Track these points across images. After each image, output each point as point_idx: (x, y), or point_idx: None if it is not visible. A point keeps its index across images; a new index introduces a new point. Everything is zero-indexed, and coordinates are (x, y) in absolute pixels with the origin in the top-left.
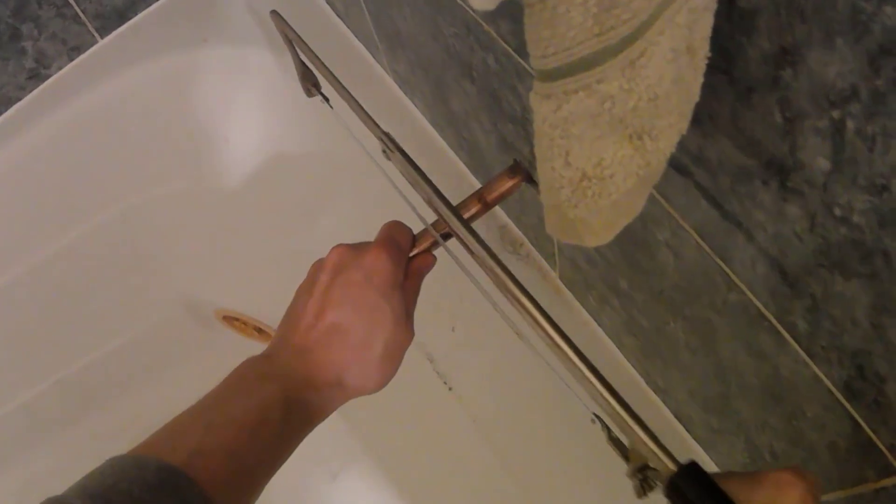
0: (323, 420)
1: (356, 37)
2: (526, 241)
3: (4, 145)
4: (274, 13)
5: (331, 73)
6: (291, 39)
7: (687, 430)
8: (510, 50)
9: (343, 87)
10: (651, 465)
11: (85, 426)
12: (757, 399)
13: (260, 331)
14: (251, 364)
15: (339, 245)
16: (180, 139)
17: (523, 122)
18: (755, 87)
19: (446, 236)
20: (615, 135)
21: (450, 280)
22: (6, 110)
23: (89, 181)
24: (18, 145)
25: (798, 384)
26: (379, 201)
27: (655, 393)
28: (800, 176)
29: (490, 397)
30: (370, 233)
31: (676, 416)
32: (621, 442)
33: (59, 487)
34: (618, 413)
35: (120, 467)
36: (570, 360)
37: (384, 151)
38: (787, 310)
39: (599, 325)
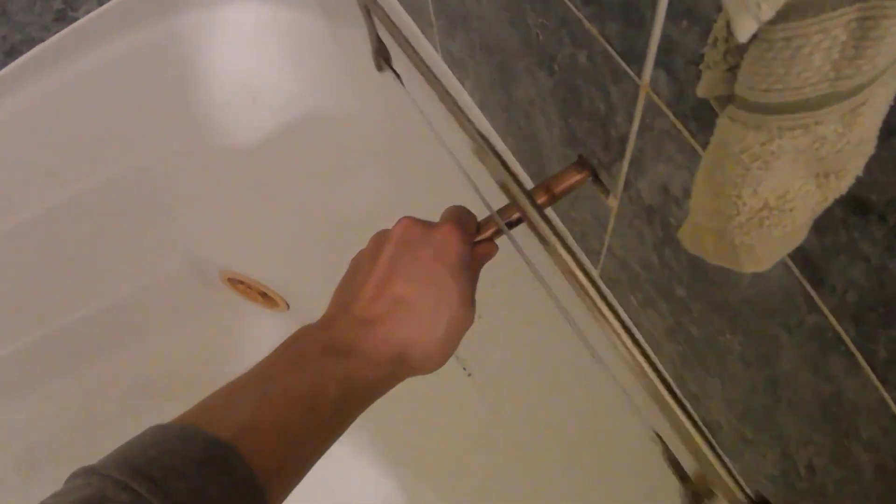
0: (379, 398)
1: (404, 8)
2: (569, 235)
3: (23, 87)
4: None
5: (413, 49)
6: (370, 8)
7: (712, 436)
8: (612, 51)
9: (425, 65)
10: (715, 491)
11: (78, 377)
12: (807, 416)
13: (264, 295)
14: (308, 333)
15: (407, 217)
16: (203, 95)
17: (603, 122)
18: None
19: (511, 225)
20: (808, 171)
21: (483, 268)
22: (28, 50)
23: (106, 132)
24: (37, 88)
25: (861, 407)
26: (413, 173)
27: (686, 398)
28: None
29: (510, 387)
30: (401, 207)
31: (704, 423)
32: (678, 462)
33: (47, 436)
34: (691, 436)
35: (164, 438)
36: (642, 369)
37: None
38: (870, 337)
39: (637, 326)
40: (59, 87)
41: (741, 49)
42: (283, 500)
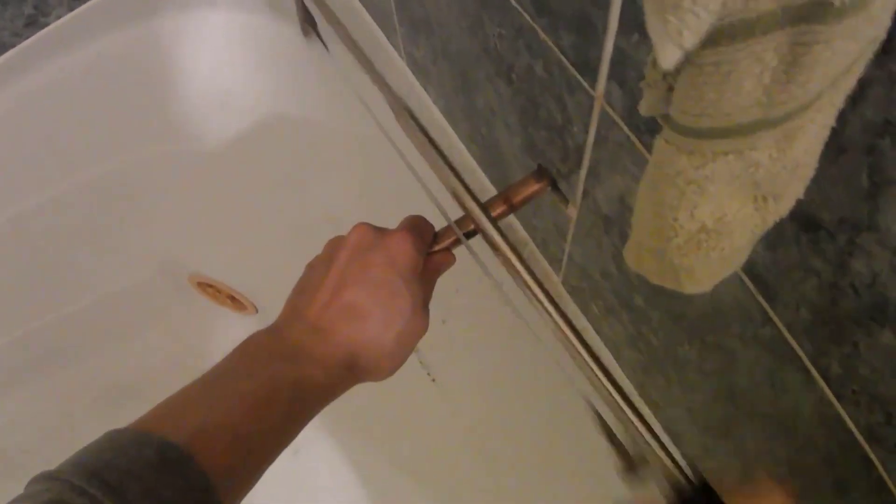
0: (330, 402)
1: (369, 14)
2: (531, 241)
3: None
4: None
5: (337, 20)
6: None
7: (675, 445)
8: (566, 62)
9: (353, 41)
10: (660, 475)
11: (50, 381)
12: (766, 427)
13: (233, 299)
14: (260, 339)
15: (362, 224)
16: (174, 100)
17: (560, 132)
18: (847, 149)
19: (468, 235)
20: (744, 195)
21: (447, 273)
22: None
23: (76, 136)
24: (9, 93)
25: (817, 420)
26: (377, 179)
27: (647, 405)
28: (873, 237)
29: (473, 392)
30: (365, 212)
31: (666, 430)
32: (624, 448)
33: (20, 439)
34: (634, 426)
35: (119, 443)
36: (591, 368)
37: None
38: (824, 352)
39: (598, 333)
40: (30, 91)
41: (678, 71)
42: (237, 503)
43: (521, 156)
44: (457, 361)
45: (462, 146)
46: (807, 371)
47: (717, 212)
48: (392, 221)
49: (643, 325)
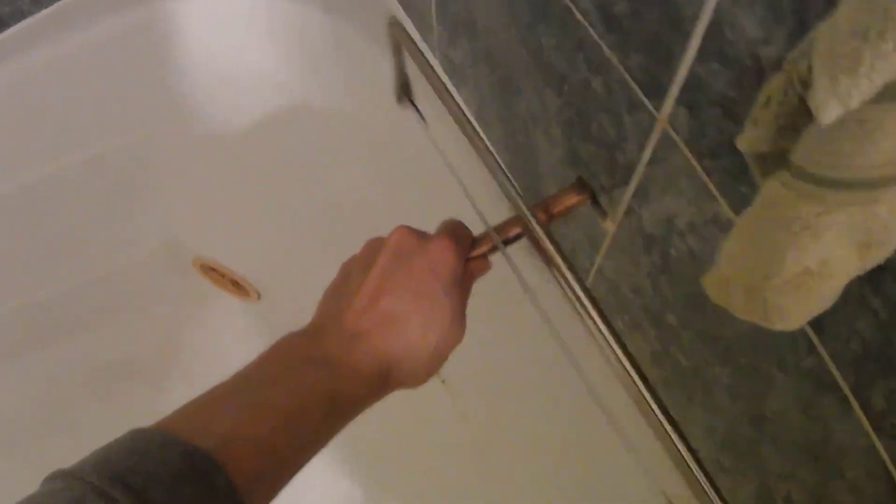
0: (361, 412)
1: (405, 12)
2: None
3: (4, 64)
4: (395, 22)
5: (445, 88)
6: (402, 43)
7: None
8: (630, 81)
9: (456, 104)
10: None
11: (44, 357)
12: (792, 452)
13: (236, 284)
14: (294, 342)
15: (403, 227)
16: (190, 80)
17: (610, 148)
18: None
19: (507, 243)
20: (851, 241)
21: None
22: (9, 27)
23: (86, 112)
24: (18, 66)
25: (849, 450)
26: (399, 180)
27: None
28: None
29: (482, 394)
30: (383, 211)
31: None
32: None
33: (13, 414)
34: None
35: (144, 444)
36: (630, 378)
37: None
38: (868, 385)
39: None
40: (40, 65)
41: (795, 114)
42: None
43: (559, 167)
44: (468, 363)
45: (491, 149)
46: (846, 401)
47: (823, 256)
48: (413, 220)
49: (672, 343)
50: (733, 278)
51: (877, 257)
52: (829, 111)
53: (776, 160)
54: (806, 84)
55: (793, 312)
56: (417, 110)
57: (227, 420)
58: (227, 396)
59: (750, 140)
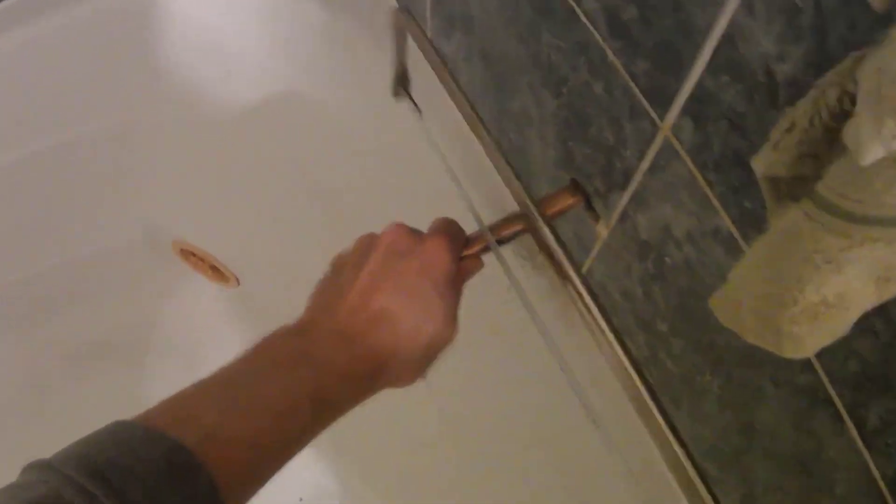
0: (347, 412)
1: (397, 1)
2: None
3: None
4: (398, 9)
5: (459, 91)
6: (414, 37)
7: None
8: (634, 88)
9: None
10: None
11: (22, 338)
12: (780, 464)
13: (215, 269)
14: (283, 337)
15: (397, 224)
16: (174, 63)
17: (608, 152)
18: None
19: (500, 242)
20: (870, 275)
21: None
22: None
23: (68, 93)
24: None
25: (840, 466)
26: (387, 174)
27: None
28: None
29: (462, 392)
30: (369, 204)
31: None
32: None
33: None
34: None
35: (125, 439)
36: (631, 379)
37: None
38: (863, 404)
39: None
40: (19, 46)
41: (819, 142)
42: None
43: (552, 168)
44: (451, 361)
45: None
46: (840, 418)
47: (841, 288)
48: (401, 215)
49: (661, 349)
50: (745, 303)
51: (893, 290)
52: (871, 153)
53: (791, 184)
54: (834, 114)
55: (807, 342)
56: (413, 101)
57: (213, 416)
58: (214, 391)
59: (767, 163)
